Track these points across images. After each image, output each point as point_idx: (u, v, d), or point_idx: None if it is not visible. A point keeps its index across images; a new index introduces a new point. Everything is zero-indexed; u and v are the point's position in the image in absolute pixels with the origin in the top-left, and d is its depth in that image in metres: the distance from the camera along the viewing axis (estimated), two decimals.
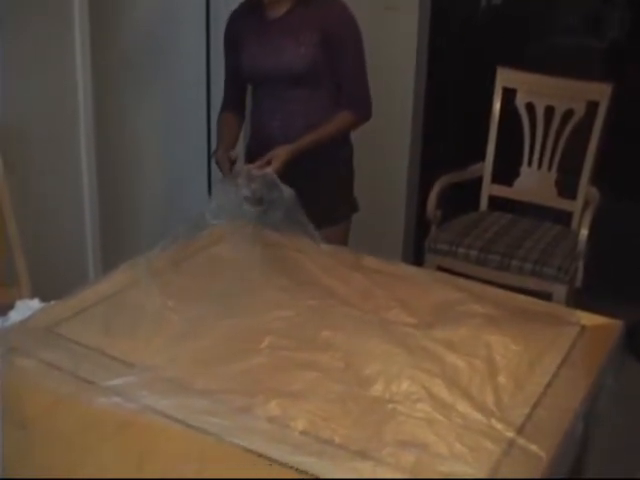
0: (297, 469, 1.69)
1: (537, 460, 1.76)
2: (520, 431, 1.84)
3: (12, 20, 2.98)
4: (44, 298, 2.41)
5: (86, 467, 1.71)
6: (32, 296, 2.57)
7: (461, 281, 2.57)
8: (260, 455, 1.72)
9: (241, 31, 3.20)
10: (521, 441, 1.80)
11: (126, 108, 3.94)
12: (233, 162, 3.03)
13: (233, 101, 3.36)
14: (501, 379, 2.01)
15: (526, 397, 1.96)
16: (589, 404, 2.06)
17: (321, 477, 1.67)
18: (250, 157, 3.17)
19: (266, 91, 3.19)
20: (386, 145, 4.57)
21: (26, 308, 2.34)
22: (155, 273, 2.43)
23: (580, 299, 3.46)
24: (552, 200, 3.81)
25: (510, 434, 1.82)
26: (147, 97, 4.04)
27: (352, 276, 2.50)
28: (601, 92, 3.69)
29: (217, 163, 3.09)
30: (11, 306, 2.36)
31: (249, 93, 3.38)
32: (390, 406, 1.91)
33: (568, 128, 3.73)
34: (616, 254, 4.52)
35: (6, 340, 2.10)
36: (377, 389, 1.96)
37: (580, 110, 3.71)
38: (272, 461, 1.71)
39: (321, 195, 3.11)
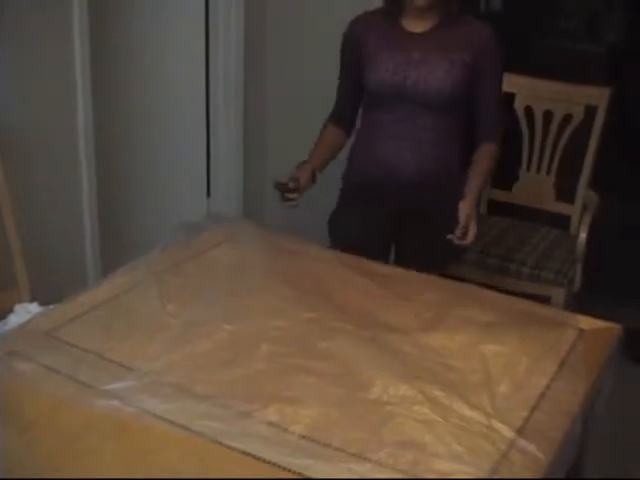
0: (296, 472, 1.69)
1: (536, 461, 1.77)
2: (519, 433, 1.84)
3: (11, 21, 2.98)
4: (43, 302, 2.42)
5: (86, 470, 1.71)
6: (31, 300, 2.58)
7: (459, 284, 2.57)
8: (259, 458, 1.73)
9: (370, 40, 2.89)
10: (520, 442, 1.81)
11: (124, 110, 3.95)
12: (292, 189, 2.70)
13: (344, 115, 3.06)
14: (499, 382, 2.01)
15: (525, 400, 1.97)
16: (588, 407, 2.06)
17: (319, 479, 1.68)
18: (356, 187, 2.99)
19: (394, 113, 2.87)
20: None
21: (25, 312, 2.35)
22: (154, 276, 2.44)
23: (579, 303, 3.46)
24: (551, 204, 3.81)
25: (509, 435, 1.83)
26: (145, 98, 4.04)
27: (352, 279, 2.50)
28: (599, 96, 3.69)
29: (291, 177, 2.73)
30: (10, 310, 2.37)
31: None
32: (388, 409, 1.91)
33: (567, 132, 3.73)
34: (615, 257, 4.52)
35: (5, 344, 2.11)
36: (374, 393, 1.97)
37: (579, 114, 3.71)
38: (271, 464, 1.71)
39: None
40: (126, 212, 4.02)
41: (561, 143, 3.74)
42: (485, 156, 2.89)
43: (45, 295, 2.50)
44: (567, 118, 3.73)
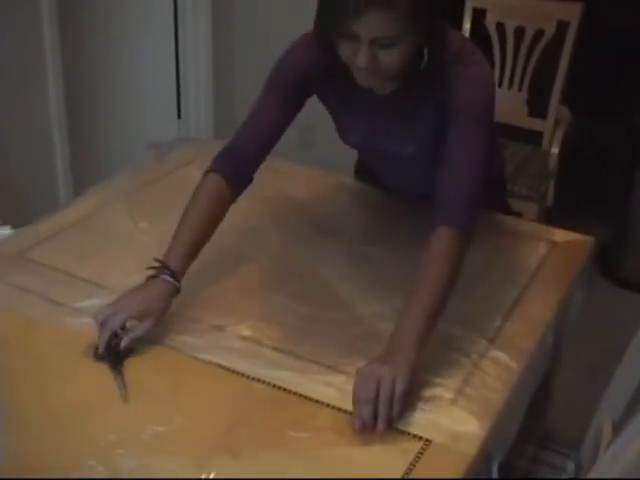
0: (270, 384, 1.71)
1: (508, 370, 1.79)
2: (491, 342, 1.86)
3: None
4: (15, 225, 2.40)
5: (59, 388, 1.70)
6: (3, 223, 2.56)
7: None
8: (233, 371, 1.74)
9: (332, 94, 2.15)
10: (492, 352, 1.83)
11: (93, 32, 3.90)
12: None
13: (245, 163, 2.11)
14: (472, 292, 2.02)
15: (497, 310, 1.99)
16: (559, 318, 2.08)
17: (293, 390, 1.69)
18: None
19: (376, 159, 2.38)
20: None
21: None
22: (125, 195, 2.42)
23: (551, 218, 3.48)
24: (523, 120, 3.79)
25: (481, 346, 1.85)
26: (115, 21, 3.99)
27: (326, 195, 2.50)
28: (571, 11, 3.66)
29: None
30: None
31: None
32: (363, 327, 1.92)
33: (538, 48, 3.71)
34: (588, 174, 4.54)
35: None
36: (349, 311, 1.98)
37: (550, 30, 3.68)
38: (245, 377, 1.72)
39: None
40: (97, 134, 3.99)
41: (533, 59, 3.72)
42: (431, 264, 1.85)
43: (17, 218, 2.48)
44: (539, 34, 3.71)
